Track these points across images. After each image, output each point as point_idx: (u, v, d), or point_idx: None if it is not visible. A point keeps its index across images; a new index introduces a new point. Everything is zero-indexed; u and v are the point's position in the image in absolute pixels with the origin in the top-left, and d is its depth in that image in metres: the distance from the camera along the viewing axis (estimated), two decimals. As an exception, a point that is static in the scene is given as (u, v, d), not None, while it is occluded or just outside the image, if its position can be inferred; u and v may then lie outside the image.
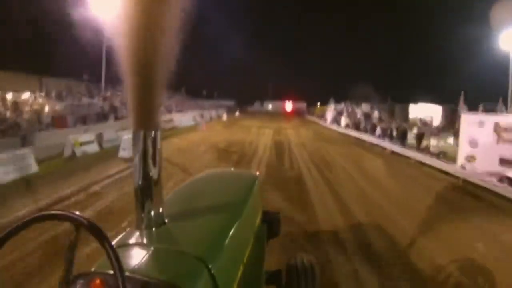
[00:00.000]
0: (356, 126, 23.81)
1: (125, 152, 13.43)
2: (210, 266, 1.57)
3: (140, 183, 1.68)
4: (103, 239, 1.09)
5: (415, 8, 57.54)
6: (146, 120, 1.64)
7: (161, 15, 1.51)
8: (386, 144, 18.68)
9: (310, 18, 78.29)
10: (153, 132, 1.67)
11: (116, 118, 24.32)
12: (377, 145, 19.57)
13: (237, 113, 52.01)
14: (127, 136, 14.18)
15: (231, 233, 2.04)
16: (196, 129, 25.48)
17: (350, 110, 32.36)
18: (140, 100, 1.59)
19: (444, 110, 27.34)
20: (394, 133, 19.52)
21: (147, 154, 1.66)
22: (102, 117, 23.71)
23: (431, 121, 25.84)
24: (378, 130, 20.10)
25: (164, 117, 26.22)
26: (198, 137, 20.30)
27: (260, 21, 74.14)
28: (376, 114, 25.30)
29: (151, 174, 1.68)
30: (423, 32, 57.19)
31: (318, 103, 61.64)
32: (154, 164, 1.69)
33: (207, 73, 66.67)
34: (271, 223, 3.37)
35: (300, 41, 78.98)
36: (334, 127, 32.15)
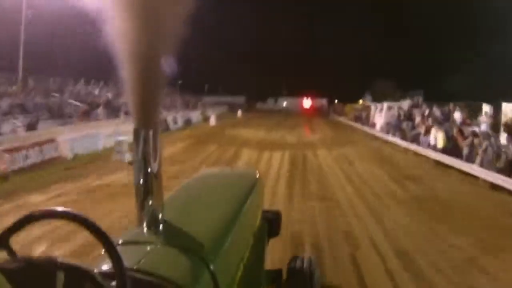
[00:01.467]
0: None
1: None
2: (210, 264, 1.54)
3: (140, 181, 1.63)
4: (103, 237, 1.07)
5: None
6: (146, 118, 1.59)
7: (163, 8, 1.44)
8: None
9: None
10: (153, 130, 1.61)
11: None
12: None
13: (239, 113, 37.88)
14: None
15: (231, 231, 2.01)
16: (108, 162, 11.34)
17: (436, 113, 17.76)
18: (140, 97, 1.55)
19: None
20: None
21: (148, 152, 1.60)
22: None
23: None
24: None
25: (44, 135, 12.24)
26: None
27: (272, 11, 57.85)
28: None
29: (151, 172, 1.63)
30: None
31: (336, 100, 52.23)
32: (155, 162, 1.63)
33: (212, 65, 52.67)
34: (271, 222, 3.22)
35: (316, 29, 62.19)
36: (397, 140, 17.70)
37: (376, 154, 14.10)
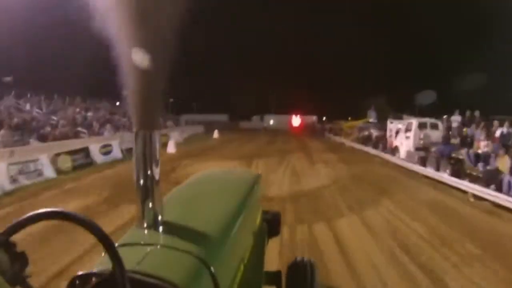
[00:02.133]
0: None
1: None
2: (210, 266, 1.52)
3: (140, 182, 1.61)
4: (103, 238, 1.05)
5: None
6: (146, 120, 1.58)
7: (163, 11, 1.43)
8: None
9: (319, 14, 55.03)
10: (153, 132, 1.59)
11: None
12: None
13: (215, 134, 30.99)
14: None
15: (231, 232, 1.98)
16: None
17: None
18: (140, 100, 1.54)
19: None
20: None
21: (147, 154, 1.58)
22: None
23: None
24: None
25: None
26: None
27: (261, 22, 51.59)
28: None
29: (151, 173, 1.60)
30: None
31: (324, 117, 49.91)
32: (154, 163, 1.60)
33: (188, 78, 45.75)
34: (271, 223, 3.19)
35: (306, 41, 56.04)
36: (452, 179, 10.89)
37: (464, 233, 6.77)
